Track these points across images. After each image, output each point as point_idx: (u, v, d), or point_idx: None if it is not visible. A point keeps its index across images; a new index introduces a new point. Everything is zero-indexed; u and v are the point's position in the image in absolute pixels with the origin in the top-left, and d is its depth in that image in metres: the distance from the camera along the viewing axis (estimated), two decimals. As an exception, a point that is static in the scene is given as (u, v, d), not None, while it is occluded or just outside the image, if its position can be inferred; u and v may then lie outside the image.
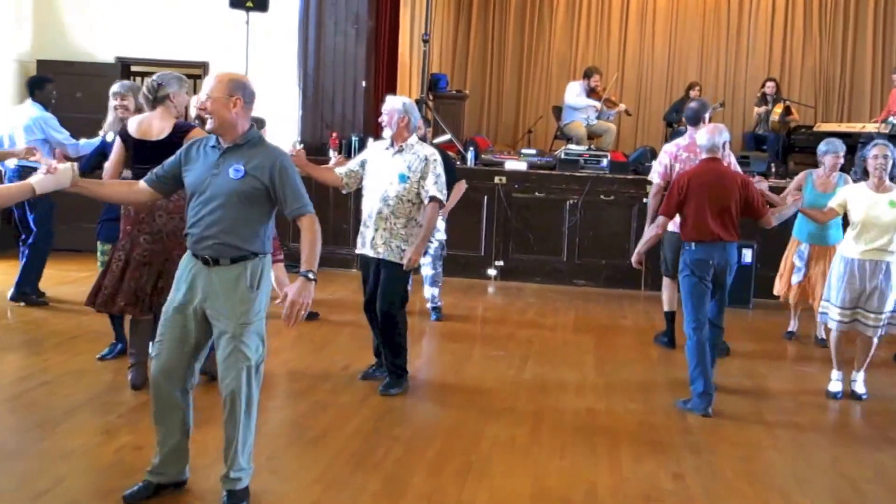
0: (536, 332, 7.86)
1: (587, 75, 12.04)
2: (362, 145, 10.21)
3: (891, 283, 6.08)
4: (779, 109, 12.14)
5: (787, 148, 12.45)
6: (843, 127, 12.00)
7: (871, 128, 11.27)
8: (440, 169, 5.68)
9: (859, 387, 6.28)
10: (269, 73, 10.26)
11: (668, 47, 14.86)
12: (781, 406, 6.06)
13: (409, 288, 6.25)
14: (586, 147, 11.02)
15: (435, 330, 7.76)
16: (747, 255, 9.01)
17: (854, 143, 12.09)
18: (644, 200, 9.90)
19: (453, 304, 8.91)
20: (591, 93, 12.00)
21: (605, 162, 10.33)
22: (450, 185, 6.27)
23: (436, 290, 8.11)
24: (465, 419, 5.36)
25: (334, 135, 10.26)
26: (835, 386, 6.30)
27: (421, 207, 5.68)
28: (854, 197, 6.25)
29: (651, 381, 6.45)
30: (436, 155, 5.72)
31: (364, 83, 10.38)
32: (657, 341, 7.66)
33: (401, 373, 5.85)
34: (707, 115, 7.32)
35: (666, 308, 7.63)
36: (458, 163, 10.42)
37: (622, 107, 12.34)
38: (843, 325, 6.19)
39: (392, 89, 11.31)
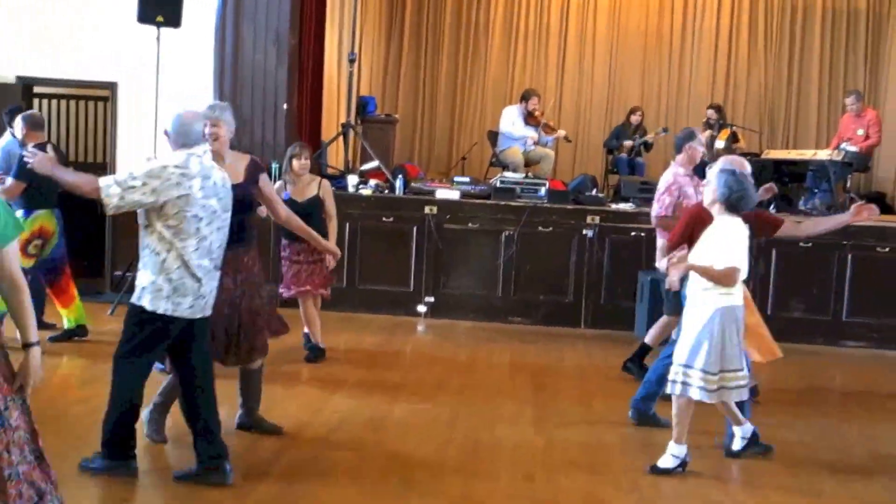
0: (469, 378, 7.13)
1: (525, 98, 11.41)
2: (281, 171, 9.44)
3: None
4: (724, 136, 11.64)
5: (732, 176, 11.92)
6: (793, 154, 11.54)
7: (822, 155, 10.82)
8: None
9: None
10: (182, 93, 9.44)
11: (608, 71, 14.30)
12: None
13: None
14: (523, 175, 10.36)
15: (358, 378, 6.99)
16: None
17: (803, 172, 11.70)
18: (584, 232, 9.35)
19: (378, 344, 8.20)
20: (529, 117, 11.38)
21: (542, 191, 9.70)
22: None
23: None
24: (380, 497, 4.63)
25: (251, 160, 9.46)
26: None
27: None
28: None
29: (598, 441, 5.73)
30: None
31: (286, 105, 9.60)
32: (628, 370, 7.29)
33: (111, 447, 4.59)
34: (689, 144, 7.00)
35: (648, 341, 7.24)
36: (386, 191, 9.73)
37: (561, 132, 11.72)
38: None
39: (317, 112, 10.57)
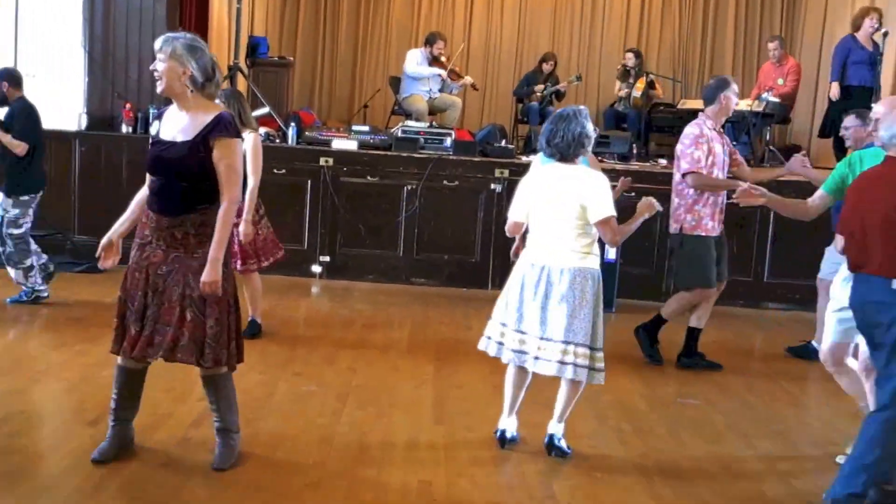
0: (362, 353, 6.37)
1: (429, 42, 10.59)
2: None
3: None
4: (641, 85, 11.03)
5: (648, 126, 11.37)
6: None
7: (742, 105, 10.29)
8: None
9: None
10: (47, 31, 8.42)
11: (517, 16, 13.53)
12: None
13: None
14: (427, 124, 9.59)
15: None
16: (611, 252, 7.84)
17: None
18: (492, 187, 8.67)
19: (267, 311, 7.39)
20: (434, 62, 10.58)
21: (448, 141, 8.97)
22: None
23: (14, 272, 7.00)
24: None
25: (128, 106, 8.49)
26: None
27: None
28: None
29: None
30: None
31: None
32: (651, 358, 6.63)
33: None
34: (724, 94, 6.25)
35: (693, 324, 6.53)
36: (278, 140, 8.88)
37: (468, 80, 10.93)
38: None
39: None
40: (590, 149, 4.64)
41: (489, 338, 4.74)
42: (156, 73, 3.93)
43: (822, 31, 12.19)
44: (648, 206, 4.65)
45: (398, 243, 8.80)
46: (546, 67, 11.66)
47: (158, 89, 3.94)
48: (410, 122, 9.48)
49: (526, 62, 13.26)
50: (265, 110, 9.00)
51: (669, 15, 13.55)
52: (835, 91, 9.63)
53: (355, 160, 8.71)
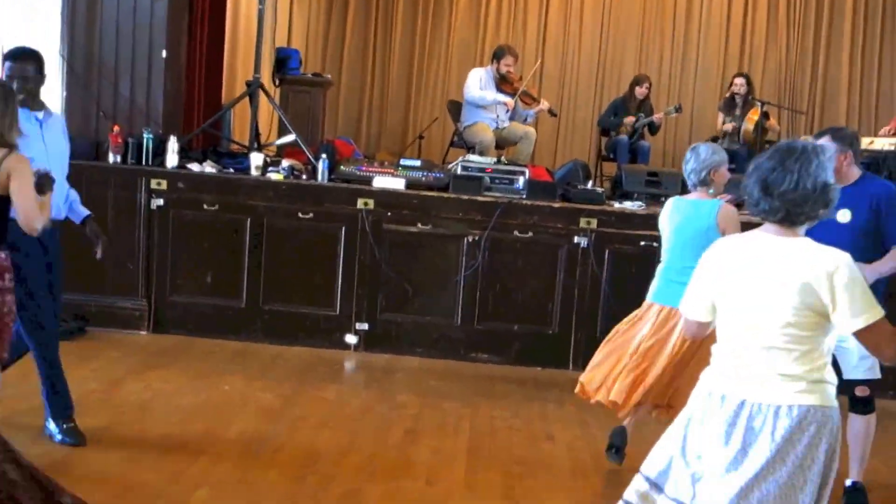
0: (399, 488, 4.42)
1: (497, 57, 8.70)
2: (159, 145, 6.75)
3: None
4: (755, 116, 9.05)
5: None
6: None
7: (882, 143, 8.30)
8: None
9: None
10: (19, 34, 6.71)
11: (598, 34, 11.62)
12: None
13: None
14: (494, 159, 7.65)
15: (220, 476, 4.34)
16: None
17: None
18: (576, 240, 6.81)
19: (278, 397, 5.62)
20: (502, 82, 8.70)
21: (521, 181, 7.09)
22: None
23: None
24: None
25: (116, 129, 6.73)
26: None
27: None
28: None
29: None
30: None
31: (165, 53, 6.85)
32: None
33: None
34: None
35: None
36: (304, 176, 7.08)
37: (545, 104, 9.03)
38: None
39: (216, 65, 7.84)
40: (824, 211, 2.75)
41: None
42: None
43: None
44: None
45: (455, 309, 6.93)
46: (640, 91, 9.72)
47: None
48: (473, 157, 7.57)
49: (608, 86, 11.41)
50: (291, 138, 7.19)
51: (774, 36, 11.58)
52: None
53: (402, 203, 6.87)
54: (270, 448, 4.77)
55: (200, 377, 5.95)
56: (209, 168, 6.90)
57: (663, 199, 7.65)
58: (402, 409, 5.72)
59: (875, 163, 8.33)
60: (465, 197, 6.89)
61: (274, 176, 6.89)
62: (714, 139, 9.92)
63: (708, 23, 11.56)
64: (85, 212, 4.69)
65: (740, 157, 9.10)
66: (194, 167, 6.85)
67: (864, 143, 8.69)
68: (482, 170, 7.16)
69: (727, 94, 9.78)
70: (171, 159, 6.75)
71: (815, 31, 11.56)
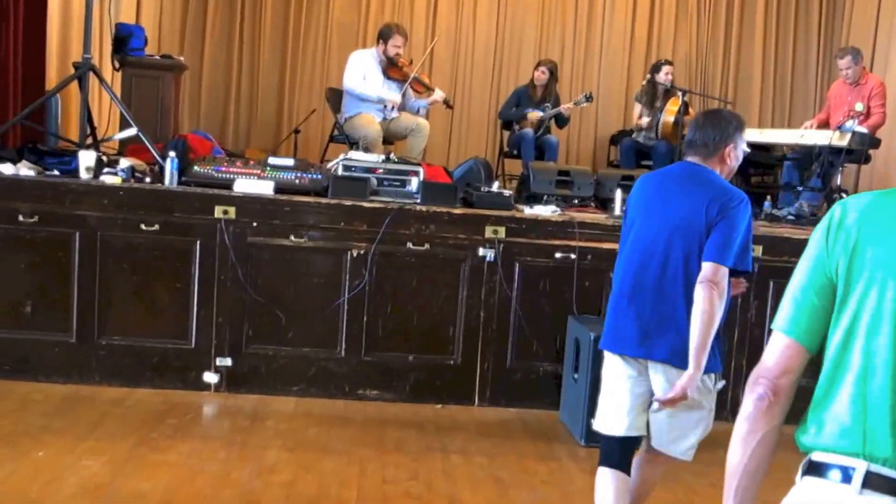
0: None
1: (383, 37, 7.53)
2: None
3: None
4: (674, 107, 8.10)
5: (679, 162, 8.48)
6: (768, 135, 8.16)
7: (816, 137, 7.47)
8: None
9: None
10: None
11: (496, 13, 10.49)
12: None
13: None
14: (381, 157, 6.46)
15: None
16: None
17: (773, 161, 8.45)
18: (481, 252, 5.78)
19: (120, 465, 4.35)
20: (390, 67, 7.54)
21: (414, 183, 5.96)
22: None
23: None
24: None
25: None
26: None
27: None
28: None
29: None
30: None
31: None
32: None
33: None
34: None
35: None
36: (149, 179, 5.78)
37: (440, 94, 7.88)
38: None
39: (37, 46, 6.45)
40: None
41: None
42: None
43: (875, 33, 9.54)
44: None
45: (338, 338, 5.76)
46: (539, 76, 8.65)
47: None
48: (356, 154, 6.36)
49: (506, 71, 10.32)
50: (132, 132, 5.86)
51: (685, 23, 10.71)
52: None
53: (271, 211, 5.65)
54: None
55: (6, 440, 4.62)
56: (26, 170, 5.55)
57: (576, 201, 6.70)
58: (270, 475, 4.50)
59: (808, 157, 7.55)
60: (348, 203, 5.70)
61: (109, 179, 5.55)
62: (628, 133, 9.02)
63: (612, 4, 10.60)
64: None
65: (658, 152, 8.15)
66: (6, 168, 5.48)
67: (795, 136, 7.89)
68: (368, 170, 5.98)
69: (644, 82, 8.78)
70: (-28, 160, 5.39)
71: (727, 18, 10.76)
